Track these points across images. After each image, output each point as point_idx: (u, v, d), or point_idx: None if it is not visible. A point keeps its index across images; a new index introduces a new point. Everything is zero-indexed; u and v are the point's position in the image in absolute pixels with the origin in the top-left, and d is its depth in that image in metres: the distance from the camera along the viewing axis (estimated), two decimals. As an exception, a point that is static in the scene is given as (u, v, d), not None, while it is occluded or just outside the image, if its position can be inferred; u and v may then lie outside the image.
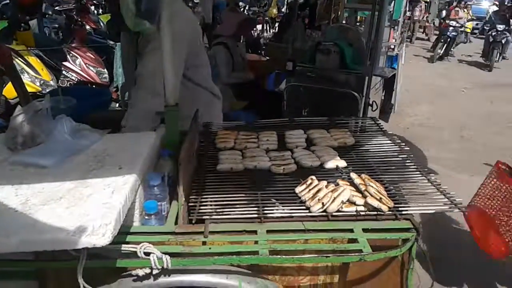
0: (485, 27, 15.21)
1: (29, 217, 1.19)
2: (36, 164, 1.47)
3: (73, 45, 4.83)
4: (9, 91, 3.71)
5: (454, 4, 15.25)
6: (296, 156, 1.84)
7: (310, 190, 1.50)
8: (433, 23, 19.52)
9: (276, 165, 1.75)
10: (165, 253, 1.26)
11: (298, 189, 1.54)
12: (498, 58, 13.13)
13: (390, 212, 1.43)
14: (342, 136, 2.04)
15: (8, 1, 6.56)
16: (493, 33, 12.82)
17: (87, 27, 6.45)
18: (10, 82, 3.49)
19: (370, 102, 3.96)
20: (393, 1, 6.74)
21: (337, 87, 4.02)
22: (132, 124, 1.87)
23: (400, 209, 1.45)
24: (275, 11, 12.19)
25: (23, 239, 1.12)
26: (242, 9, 11.00)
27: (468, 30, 15.61)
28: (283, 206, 1.51)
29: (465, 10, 14.93)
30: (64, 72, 4.64)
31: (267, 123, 2.26)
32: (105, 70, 4.83)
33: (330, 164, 1.76)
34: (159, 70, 1.94)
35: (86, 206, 1.23)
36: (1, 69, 2.09)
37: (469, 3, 16.27)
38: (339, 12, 6.04)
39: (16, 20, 4.59)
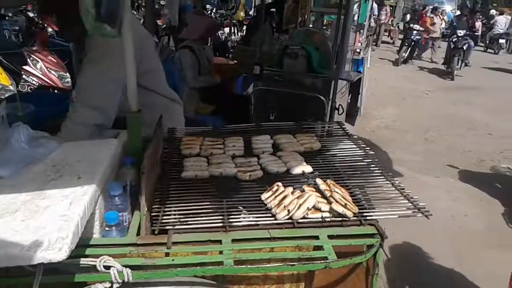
0: (445, 32, 15.03)
1: (-19, 232, 1.12)
2: (-10, 174, 1.40)
3: (34, 48, 4.68)
4: (-35, 96, 3.58)
5: (427, 9, 15.53)
6: (262, 162, 1.83)
7: (276, 197, 1.49)
8: (398, 27, 20.00)
9: (242, 171, 1.74)
10: (126, 266, 1.22)
11: (264, 196, 1.53)
12: (460, 65, 12.56)
13: (355, 218, 1.43)
14: (309, 141, 2.04)
15: (-35, 2, 6.32)
16: (454, 39, 12.35)
17: (49, 29, 6.27)
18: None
19: (337, 106, 4.00)
20: (359, 5, 6.84)
21: (304, 91, 4.04)
22: (67, 139, 1.76)
23: (364, 214, 1.45)
24: (242, 14, 12.20)
25: (-26, 255, 1.06)
26: (209, 12, 10.96)
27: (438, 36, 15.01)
28: (249, 214, 1.49)
29: (441, 16, 15.19)
30: (24, 76, 4.49)
31: (234, 129, 2.24)
32: (68, 74, 4.70)
33: (297, 170, 1.75)
34: (97, 82, 1.89)
35: (42, 219, 1.17)
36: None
37: (437, 6, 16.49)
38: (306, 16, 6.09)
39: (-28, 23, 4.44)
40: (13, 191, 1.34)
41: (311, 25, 6.02)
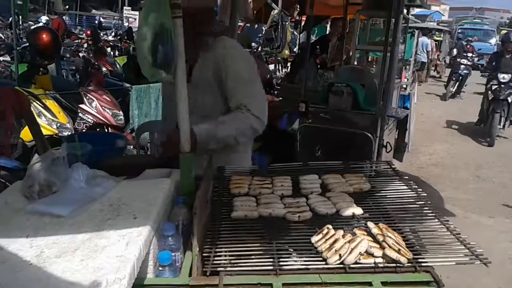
0: (483, 75, 9.91)
1: (43, 271, 1.17)
2: (51, 213, 1.47)
3: (90, 88, 4.94)
4: (26, 134, 3.78)
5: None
6: (311, 203, 1.82)
7: (326, 240, 1.47)
8: (444, 61, 19.70)
9: (291, 212, 1.73)
10: (180, 307, 1.24)
11: (314, 239, 1.51)
12: (504, 124, 8.59)
13: (410, 264, 1.39)
14: (358, 182, 2.01)
15: (27, 45, 6.80)
16: (494, 87, 8.39)
17: (103, 69, 6.61)
18: (27, 126, 3.58)
19: (384, 143, 3.95)
20: (405, 42, 6.82)
21: (351, 128, 4.03)
22: (227, 129, 2.09)
23: (419, 260, 1.41)
24: (287, 52, 12.39)
25: (36, 295, 1.11)
26: (254, 50, 11.22)
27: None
28: (298, 257, 1.48)
29: None
30: (80, 114, 4.73)
31: (281, 167, 2.25)
32: (121, 112, 4.92)
33: (346, 212, 1.73)
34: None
35: (100, 258, 1.22)
36: (19, 114, 2.13)
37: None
38: (351, 53, 6.13)
39: (35, 65, 4.74)
40: (72, 230, 1.40)
41: (355, 62, 6.04)
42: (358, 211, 1.74)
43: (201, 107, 2.19)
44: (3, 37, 10.89)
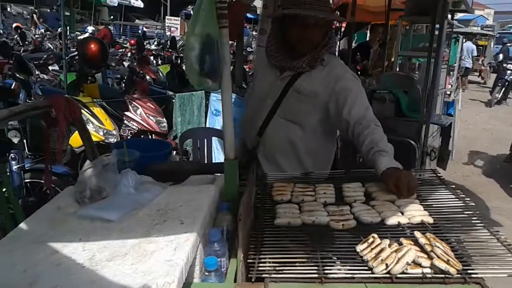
0: None
1: (96, 274, 1.22)
2: (102, 218, 1.53)
3: (135, 95, 5.09)
4: (75, 140, 3.94)
5: None
6: (355, 211, 1.80)
7: (372, 249, 1.45)
8: (489, 66, 19.07)
9: (335, 220, 1.72)
10: (226, 312, 1.25)
11: (359, 248, 1.50)
12: None
13: (459, 275, 1.36)
14: (402, 190, 1.98)
15: (75, 54, 7.08)
16: None
17: (147, 77, 6.79)
18: (76, 132, 3.73)
19: (428, 151, 3.87)
20: (449, 47, 6.66)
21: (393, 135, 3.92)
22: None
23: (469, 272, 1.37)
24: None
25: (90, 296, 1.15)
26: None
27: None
28: (342, 265, 1.47)
29: None
30: (125, 121, 4.88)
31: (323, 175, 2.24)
32: (164, 119, 5.04)
33: (392, 221, 1.71)
34: None
35: (150, 263, 1.25)
36: (71, 121, 2.22)
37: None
38: (393, 60, 6.03)
39: (83, 74, 4.94)
40: (122, 234, 1.45)
41: (397, 69, 5.94)
42: (404, 220, 1.72)
43: (294, 112, 2.34)
44: (52, 47, 11.37)
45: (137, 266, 1.25)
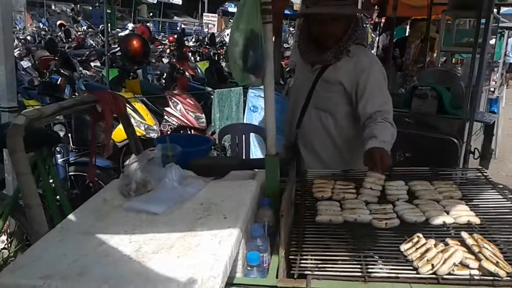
0: None
1: (142, 266, 1.25)
2: (148, 210, 1.56)
3: (175, 91, 5.16)
4: (117, 134, 4.04)
5: None
6: (398, 210, 1.77)
7: (417, 249, 1.43)
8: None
9: (378, 219, 1.70)
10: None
11: (403, 247, 1.47)
12: None
13: (509, 278, 1.31)
14: (448, 190, 1.93)
15: (117, 50, 7.25)
16: None
17: (186, 73, 6.87)
18: (118, 127, 3.82)
19: (472, 149, 3.75)
20: (494, 43, 6.43)
21: (435, 133, 3.85)
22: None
23: (520, 275, 1.33)
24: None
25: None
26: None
27: None
28: (385, 264, 1.45)
29: None
30: (166, 117, 4.96)
31: (364, 172, 2.21)
32: (203, 115, 5.09)
33: (437, 220, 1.67)
34: None
35: (195, 256, 1.27)
36: (116, 116, 2.27)
37: None
38: (435, 55, 5.88)
39: (125, 70, 5.05)
40: (167, 228, 1.47)
41: (440, 65, 5.78)
42: (449, 219, 1.68)
43: (323, 101, 2.42)
44: (94, 44, 11.69)
45: (183, 259, 1.27)
